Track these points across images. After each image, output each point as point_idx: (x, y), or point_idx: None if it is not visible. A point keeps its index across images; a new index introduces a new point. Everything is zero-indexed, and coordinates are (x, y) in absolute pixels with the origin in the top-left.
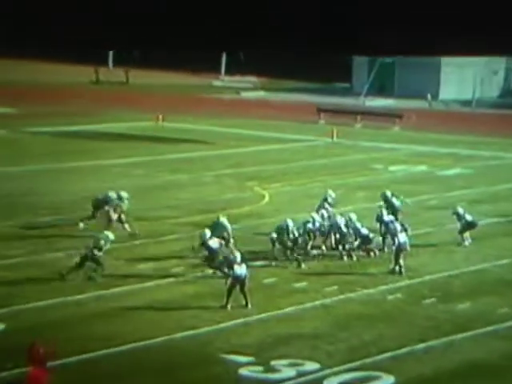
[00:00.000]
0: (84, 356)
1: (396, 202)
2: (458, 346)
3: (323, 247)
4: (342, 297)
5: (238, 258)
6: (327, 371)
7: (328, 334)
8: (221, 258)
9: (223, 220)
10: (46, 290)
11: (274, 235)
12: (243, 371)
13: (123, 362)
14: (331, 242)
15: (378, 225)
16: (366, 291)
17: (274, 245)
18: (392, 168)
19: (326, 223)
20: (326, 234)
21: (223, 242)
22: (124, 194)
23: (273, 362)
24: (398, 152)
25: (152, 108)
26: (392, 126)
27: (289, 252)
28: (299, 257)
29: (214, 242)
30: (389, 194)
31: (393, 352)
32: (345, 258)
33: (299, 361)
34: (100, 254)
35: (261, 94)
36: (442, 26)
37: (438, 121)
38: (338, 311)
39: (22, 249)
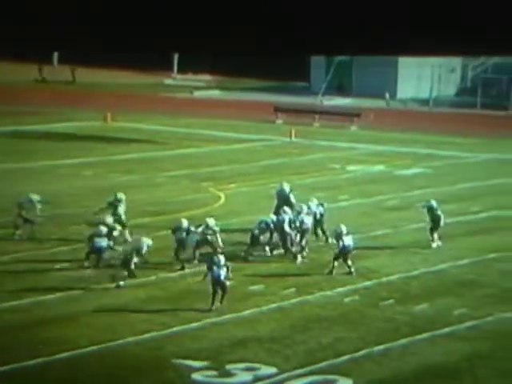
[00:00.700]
0: (34, 361)
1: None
2: (417, 348)
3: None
4: (299, 299)
5: (222, 261)
6: (284, 375)
7: (285, 337)
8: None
9: (210, 222)
10: None
11: (257, 231)
12: (197, 376)
13: (74, 367)
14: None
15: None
16: (323, 293)
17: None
18: (350, 168)
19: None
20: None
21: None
22: (35, 197)
23: (228, 366)
24: (356, 151)
25: (100, 107)
26: (350, 126)
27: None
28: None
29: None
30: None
31: (351, 355)
32: (299, 257)
33: (256, 365)
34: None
35: (215, 92)
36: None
37: (396, 120)
38: (296, 314)
39: None
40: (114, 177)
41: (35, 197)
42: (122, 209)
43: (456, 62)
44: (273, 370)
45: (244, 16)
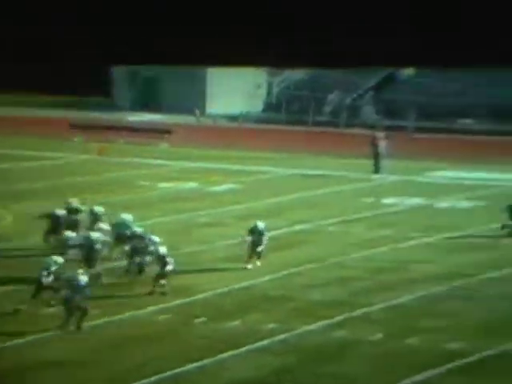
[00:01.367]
0: None
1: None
2: (230, 364)
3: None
4: (108, 319)
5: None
6: None
7: (92, 360)
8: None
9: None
10: None
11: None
12: None
13: None
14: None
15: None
16: (135, 313)
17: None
18: (161, 185)
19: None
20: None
21: None
22: None
23: None
24: (167, 168)
25: None
26: (160, 142)
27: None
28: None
29: None
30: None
31: (166, 373)
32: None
33: None
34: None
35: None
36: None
37: (206, 136)
38: (106, 334)
39: None
40: None
41: None
42: None
43: (262, 77)
44: None
45: (244, 16)
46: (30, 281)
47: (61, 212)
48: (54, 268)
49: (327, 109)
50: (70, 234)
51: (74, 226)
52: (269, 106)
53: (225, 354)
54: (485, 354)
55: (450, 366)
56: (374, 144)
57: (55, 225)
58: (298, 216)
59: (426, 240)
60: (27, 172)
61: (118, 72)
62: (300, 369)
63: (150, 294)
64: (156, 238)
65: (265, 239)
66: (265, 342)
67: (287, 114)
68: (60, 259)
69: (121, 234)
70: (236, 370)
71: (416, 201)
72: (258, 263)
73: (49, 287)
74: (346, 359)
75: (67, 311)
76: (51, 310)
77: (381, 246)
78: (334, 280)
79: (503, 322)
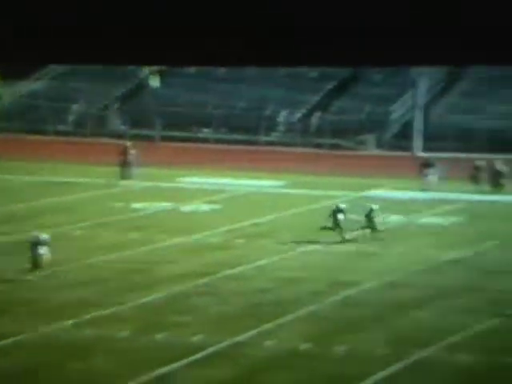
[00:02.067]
0: None
1: None
2: None
3: None
4: None
5: None
6: None
7: None
8: None
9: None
10: None
11: None
12: None
13: None
14: None
15: None
16: None
17: None
18: None
19: None
20: None
21: None
22: None
23: None
24: None
25: None
26: None
27: None
28: None
29: None
30: None
31: None
32: None
33: None
34: None
35: None
36: None
37: None
38: None
39: None
40: None
41: None
42: None
43: None
44: None
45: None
46: None
47: None
48: None
49: (71, 118)
50: None
51: None
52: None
53: None
54: (220, 346)
55: (192, 358)
56: (124, 153)
57: None
58: (46, 221)
59: (171, 242)
60: None
61: None
62: (46, 367)
63: None
64: None
65: None
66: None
67: (23, 123)
68: None
69: None
70: None
71: (163, 205)
72: None
73: None
74: (93, 356)
75: None
76: None
77: (130, 248)
78: (84, 281)
79: (238, 316)
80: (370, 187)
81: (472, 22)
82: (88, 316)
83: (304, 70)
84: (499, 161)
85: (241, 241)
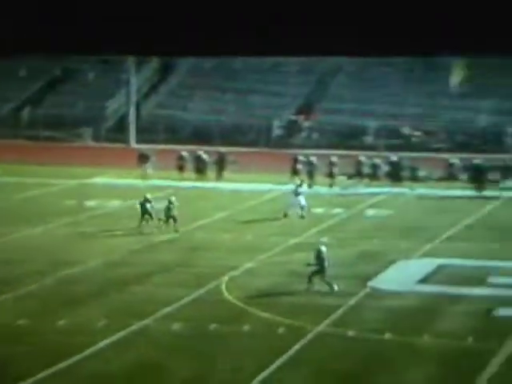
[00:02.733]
0: None
1: None
2: None
3: None
4: None
5: None
6: None
7: None
8: None
9: None
10: None
11: None
12: None
13: None
14: None
15: None
16: None
17: None
18: None
19: None
20: None
21: None
22: None
23: None
24: None
25: None
26: None
27: None
28: None
29: None
30: None
31: None
32: None
33: None
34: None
35: None
36: None
37: None
38: None
39: None
40: None
41: None
42: None
43: None
44: None
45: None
46: None
47: None
48: None
49: None
50: None
51: None
52: None
53: None
54: None
55: None
56: None
57: None
58: None
59: None
60: None
61: None
62: None
63: None
64: None
65: None
66: None
67: None
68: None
69: None
70: None
71: None
72: None
73: None
74: None
75: None
76: None
77: None
78: None
79: None
80: (90, 176)
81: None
82: None
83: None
84: (202, 151)
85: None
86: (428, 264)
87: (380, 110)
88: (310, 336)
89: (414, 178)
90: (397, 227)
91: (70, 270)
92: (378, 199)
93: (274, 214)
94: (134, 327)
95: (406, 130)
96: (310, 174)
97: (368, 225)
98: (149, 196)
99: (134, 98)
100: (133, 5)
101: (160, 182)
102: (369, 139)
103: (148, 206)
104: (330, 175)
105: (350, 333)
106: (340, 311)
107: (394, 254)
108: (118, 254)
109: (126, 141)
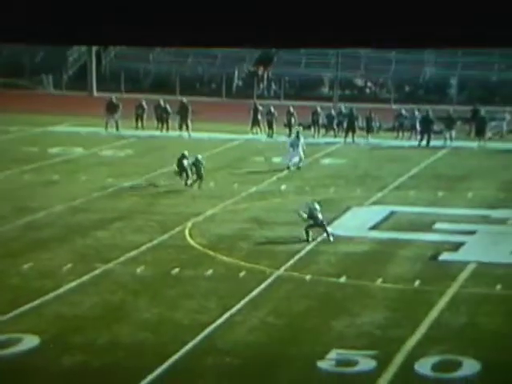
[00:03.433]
0: None
1: None
2: None
3: None
4: None
5: None
6: None
7: None
8: None
9: None
10: None
11: None
12: None
13: None
14: None
15: None
16: None
17: None
18: None
19: None
20: None
21: None
22: None
23: None
24: None
25: None
26: None
27: None
28: None
29: None
30: None
31: None
32: None
33: None
34: None
35: None
36: None
37: None
38: None
39: None
40: None
41: None
42: None
43: None
44: None
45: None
46: None
47: None
48: None
49: None
50: None
51: None
52: None
53: None
54: None
55: None
56: None
57: None
58: None
59: None
60: None
61: None
62: None
63: None
64: None
65: None
66: None
67: None
68: None
69: None
70: None
71: None
72: None
73: None
74: None
75: None
76: None
77: None
78: None
79: None
80: (53, 123)
81: None
82: None
83: None
84: (164, 101)
85: None
86: (379, 211)
87: (335, 62)
88: (269, 280)
89: (367, 129)
90: (350, 176)
91: (34, 215)
92: (333, 148)
93: (236, 163)
94: (98, 271)
95: (359, 82)
96: (270, 124)
97: (324, 173)
98: (186, 153)
99: (94, 48)
100: None
101: (123, 131)
102: (324, 90)
103: (185, 162)
104: (289, 125)
105: (308, 277)
106: (297, 256)
107: (348, 201)
108: (81, 200)
109: (87, 89)
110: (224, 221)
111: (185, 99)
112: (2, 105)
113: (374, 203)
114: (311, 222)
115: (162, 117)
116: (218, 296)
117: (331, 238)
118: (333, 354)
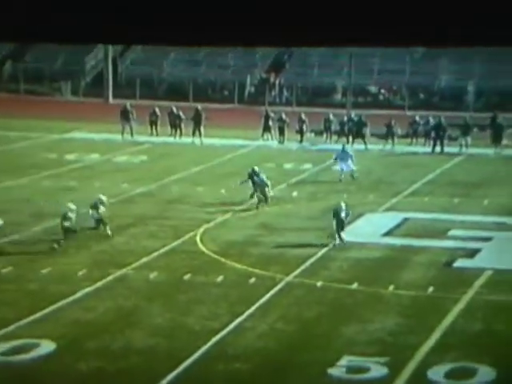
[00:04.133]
0: None
1: None
2: None
3: None
4: None
5: None
6: None
7: None
8: None
9: None
10: None
11: None
12: None
13: None
14: None
15: None
16: None
17: None
18: None
19: None
20: None
21: None
22: None
23: None
24: None
25: None
26: None
27: None
28: None
29: None
30: None
31: None
32: None
33: None
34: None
35: None
36: None
37: None
38: None
39: None
40: None
41: None
42: None
43: None
44: None
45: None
46: None
47: None
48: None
49: None
50: None
51: None
52: None
53: None
54: None
55: None
56: None
57: None
58: None
59: None
60: None
61: None
62: None
63: None
64: None
65: None
66: None
67: None
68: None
69: None
70: None
71: None
72: None
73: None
74: None
75: None
76: None
77: None
78: None
79: None
80: (69, 130)
81: None
82: None
83: None
84: (177, 108)
85: None
86: (393, 217)
87: (348, 68)
88: (279, 286)
89: (387, 135)
90: (364, 182)
91: (53, 221)
92: None
93: (247, 169)
94: (112, 277)
95: (372, 89)
96: (281, 131)
97: (336, 179)
98: (256, 169)
99: (111, 54)
100: None
101: (138, 137)
102: (337, 97)
103: (256, 179)
104: (300, 132)
105: (319, 283)
106: (309, 262)
107: (360, 207)
108: None
109: (103, 96)
110: (235, 227)
111: (199, 106)
112: (23, 111)
113: (388, 209)
114: (334, 222)
115: (175, 123)
116: (228, 302)
117: (339, 242)
118: (344, 361)
